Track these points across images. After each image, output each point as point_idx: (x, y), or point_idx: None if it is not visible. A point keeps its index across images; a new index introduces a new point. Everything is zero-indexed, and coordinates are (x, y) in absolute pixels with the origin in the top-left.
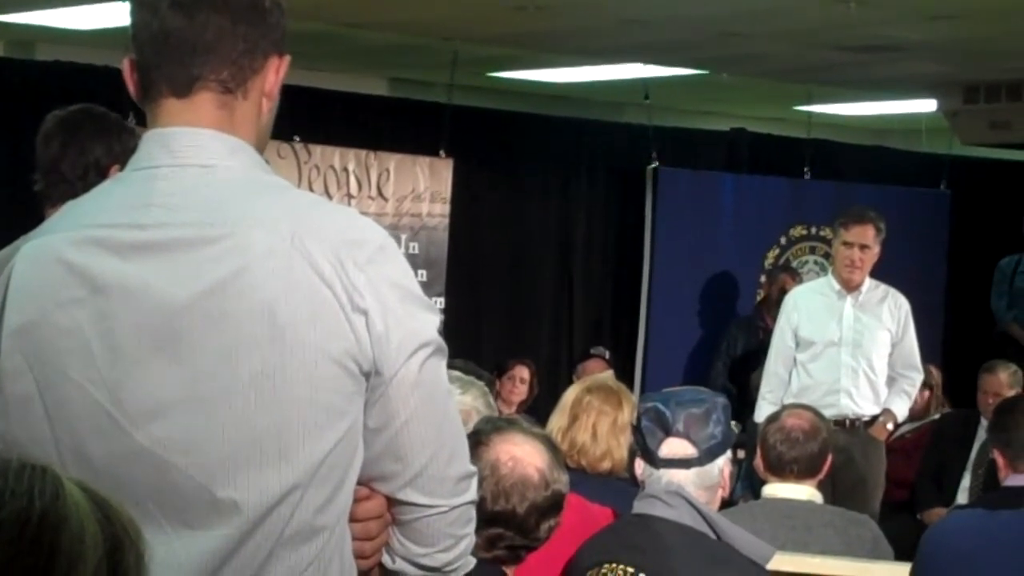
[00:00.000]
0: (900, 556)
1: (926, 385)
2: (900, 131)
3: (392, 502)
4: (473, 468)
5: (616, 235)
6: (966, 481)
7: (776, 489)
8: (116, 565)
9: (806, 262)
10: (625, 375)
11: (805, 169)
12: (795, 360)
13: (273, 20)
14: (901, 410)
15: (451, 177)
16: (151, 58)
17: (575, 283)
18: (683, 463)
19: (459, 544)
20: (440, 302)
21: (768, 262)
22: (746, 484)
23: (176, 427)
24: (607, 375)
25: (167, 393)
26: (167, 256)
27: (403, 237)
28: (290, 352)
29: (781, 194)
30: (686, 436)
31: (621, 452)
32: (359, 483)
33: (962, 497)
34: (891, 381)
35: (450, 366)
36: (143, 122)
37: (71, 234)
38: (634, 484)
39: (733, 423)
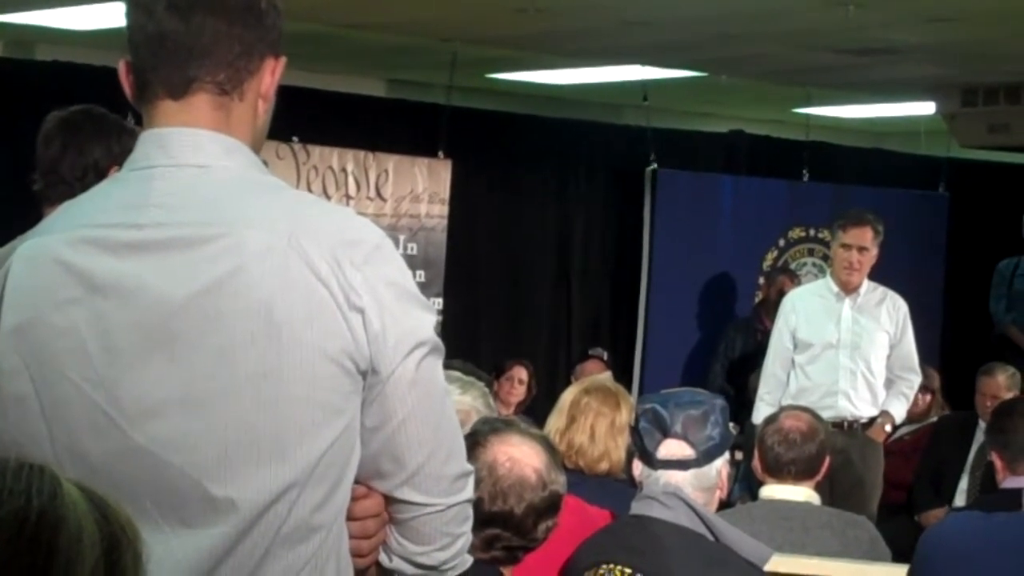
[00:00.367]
0: (898, 558)
1: (927, 388)
2: (898, 134)
3: (389, 500)
4: (470, 467)
5: (615, 237)
6: (964, 483)
7: (773, 490)
8: (114, 564)
9: (804, 264)
10: (623, 376)
11: (804, 171)
12: (793, 362)
13: (269, 22)
14: (899, 412)
15: (450, 178)
16: (147, 60)
17: (573, 284)
18: (681, 464)
19: (456, 542)
20: (438, 303)
21: (766, 264)
22: (744, 485)
23: (173, 426)
24: (605, 376)
25: (164, 392)
26: (164, 256)
27: (401, 238)
28: (287, 351)
29: (780, 196)
30: (684, 437)
31: (619, 453)
32: (356, 481)
33: (960, 499)
34: (889, 383)
35: (448, 367)
36: (142, 123)
37: (68, 234)
38: (632, 485)
39: (731, 425)
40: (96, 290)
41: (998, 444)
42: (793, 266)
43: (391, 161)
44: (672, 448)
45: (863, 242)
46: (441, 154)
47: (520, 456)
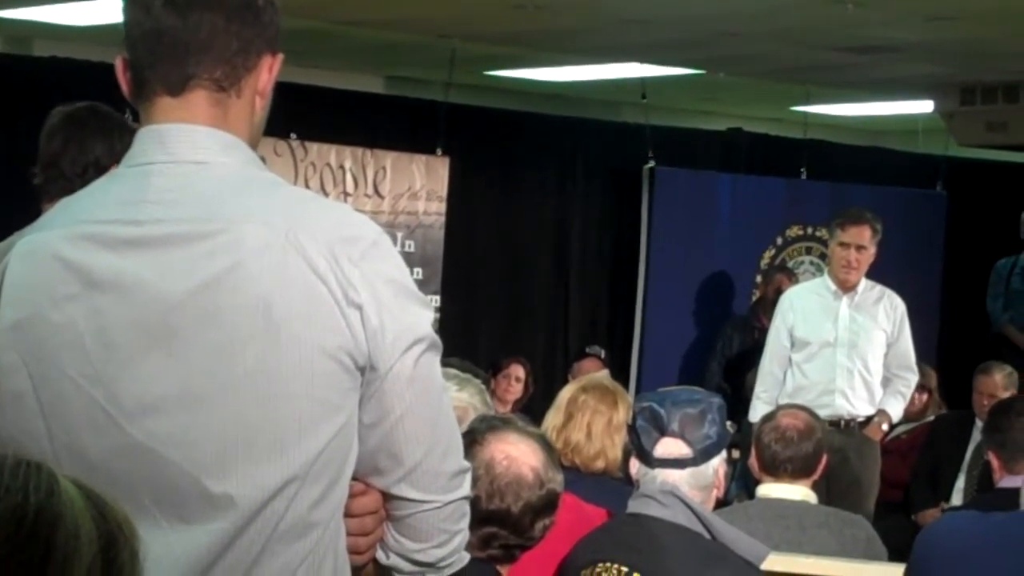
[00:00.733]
0: (894, 557)
1: (924, 387)
2: (897, 132)
3: (387, 497)
4: (467, 464)
5: (612, 234)
6: (961, 482)
7: (770, 489)
8: (111, 562)
9: (802, 262)
10: (620, 374)
11: (802, 169)
12: (790, 360)
13: (267, 18)
14: (896, 411)
15: (447, 175)
16: (144, 57)
17: (571, 282)
18: (678, 463)
19: (453, 540)
20: (436, 300)
21: (764, 262)
22: (741, 484)
23: (171, 422)
24: (603, 374)
25: (162, 388)
26: (162, 252)
27: (399, 235)
28: (285, 347)
29: (777, 194)
30: (681, 436)
31: (615, 452)
32: (354, 478)
33: (956, 498)
34: (886, 382)
35: (446, 364)
36: (139, 119)
37: (66, 230)
38: (628, 483)
39: (728, 423)
40: (94, 286)
41: (995, 443)
42: (791, 264)
43: (389, 158)
44: (669, 447)
45: (861, 241)
46: (439, 151)
47: (517, 454)
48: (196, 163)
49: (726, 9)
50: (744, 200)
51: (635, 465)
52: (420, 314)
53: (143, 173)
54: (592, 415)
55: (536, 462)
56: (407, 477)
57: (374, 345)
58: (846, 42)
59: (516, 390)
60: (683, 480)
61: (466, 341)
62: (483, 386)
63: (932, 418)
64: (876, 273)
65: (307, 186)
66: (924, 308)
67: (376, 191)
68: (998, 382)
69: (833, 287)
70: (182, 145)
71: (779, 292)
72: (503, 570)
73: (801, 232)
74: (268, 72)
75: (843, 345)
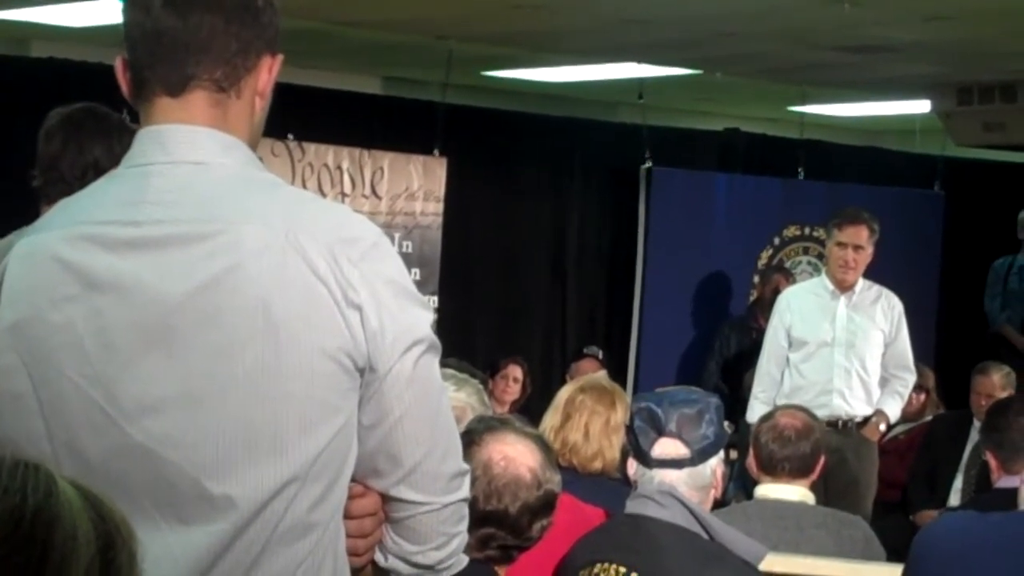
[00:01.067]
0: (892, 557)
1: (921, 387)
2: (894, 132)
3: (385, 499)
4: (466, 466)
5: (610, 235)
6: (958, 482)
7: (768, 490)
8: (109, 563)
9: (799, 263)
10: (618, 375)
11: (799, 169)
12: (788, 360)
13: (266, 19)
14: (894, 411)
15: (445, 176)
16: (144, 57)
17: (568, 283)
18: (675, 463)
19: (452, 542)
20: (434, 301)
21: (761, 262)
22: (738, 484)
23: (171, 423)
24: (601, 375)
25: (161, 389)
26: (161, 253)
27: (397, 236)
28: (285, 348)
29: (775, 194)
30: (679, 436)
31: (613, 452)
32: (353, 480)
33: (954, 498)
34: (884, 382)
35: (444, 365)
36: (138, 120)
37: (65, 231)
38: (626, 484)
39: (726, 423)
40: (94, 287)
41: (993, 443)
42: (788, 264)
43: (386, 159)
44: (667, 447)
45: (858, 240)
46: (436, 152)
47: (515, 455)
48: (195, 164)
49: (723, 9)
50: (741, 200)
51: (633, 465)
52: (420, 315)
53: (142, 174)
54: (590, 415)
55: (534, 463)
56: (406, 479)
57: (373, 346)
58: (843, 42)
59: (514, 391)
60: (681, 480)
61: (464, 342)
62: (481, 386)
63: (930, 418)
64: (874, 273)
65: (304, 187)
66: (922, 308)
67: (374, 192)
68: (996, 382)
69: (830, 287)
70: (181, 146)
71: (777, 292)
72: (501, 571)
73: (798, 232)
74: (268, 73)
75: (841, 345)
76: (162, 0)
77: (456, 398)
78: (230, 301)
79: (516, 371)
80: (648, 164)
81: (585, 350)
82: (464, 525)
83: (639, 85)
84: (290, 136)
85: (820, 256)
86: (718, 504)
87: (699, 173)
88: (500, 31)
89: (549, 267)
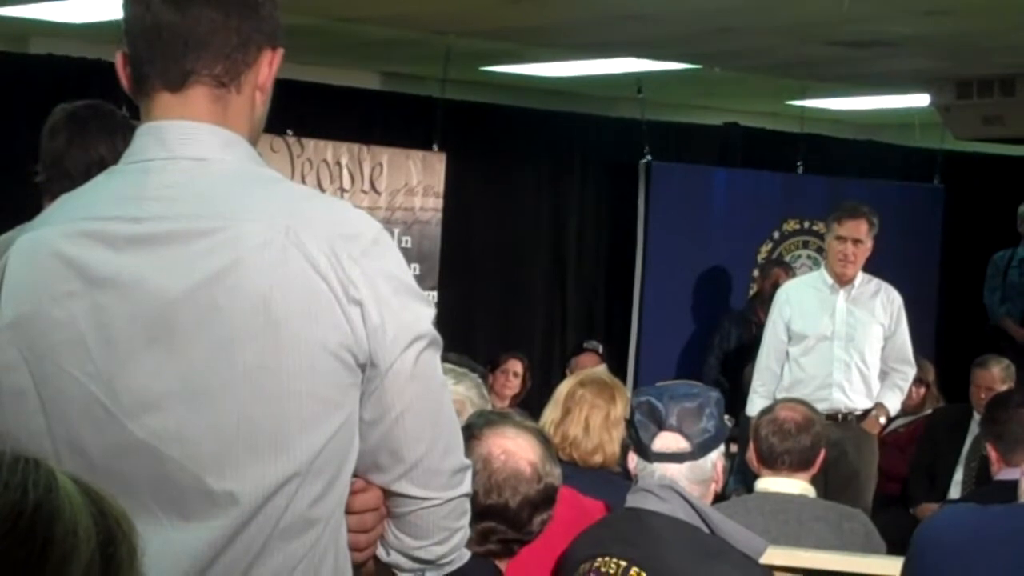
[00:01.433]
0: (892, 550)
1: (921, 380)
2: (893, 126)
3: (387, 494)
4: (468, 461)
5: (609, 229)
6: (959, 475)
7: (768, 483)
8: (109, 558)
9: (799, 256)
10: (618, 369)
11: (798, 164)
12: (787, 354)
13: (265, 13)
14: (893, 404)
15: (444, 171)
16: (144, 52)
17: (568, 277)
18: (676, 457)
19: (453, 537)
20: (433, 296)
21: (761, 256)
22: (739, 478)
23: (171, 419)
24: (601, 369)
25: (162, 385)
26: (162, 249)
27: (396, 231)
28: (285, 345)
29: (774, 189)
30: (679, 430)
31: (613, 446)
32: (355, 475)
33: (955, 491)
34: (883, 375)
35: (443, 360)
36: (137, 116)
37: (66, 227)
38: (626, 478)
39: (726, 417)
40: (94, 283)
41: (992, 436)
42: (788, 258)
43: (385, 154)
44: (667, 441)
45: (858, 234)
46: (435, 147)
47: (515, 449)
48: (196, 160)
49: (722, 4)
50: (741, 195)
51: (633, 459)
52: (421, 311)
53: (142, 170)
54: (590, 409)
55: (534, 456)
56: (407, 474)
57: (374, 342)
58: (842, 36)
59: (514, 385)
60: (681, 474)
61: (464, 336)
62: (480, 380)
63: (930, 411)
64: (873, 267)
65: (304, 182)
66: (922, 302)
67: (373, 187)
68: (995, 375)
69: (830, 281)
70: (181, 142)
71: (776, 286)
72: (502, 564)
73: (798, 226)
74: (268, 67)
75: (840, 339)
76: None
77: (455, 392)
78: (231, 297)
79: (516, 365)
80: (647, 159)
81: (585, 344)
82: (466, 520)
83: (638, 80)
84: (289, 132)
85: (820, 250)
86: (718, 498)
87: (698, 167)
88: (499, 26)
89: (549, 262)
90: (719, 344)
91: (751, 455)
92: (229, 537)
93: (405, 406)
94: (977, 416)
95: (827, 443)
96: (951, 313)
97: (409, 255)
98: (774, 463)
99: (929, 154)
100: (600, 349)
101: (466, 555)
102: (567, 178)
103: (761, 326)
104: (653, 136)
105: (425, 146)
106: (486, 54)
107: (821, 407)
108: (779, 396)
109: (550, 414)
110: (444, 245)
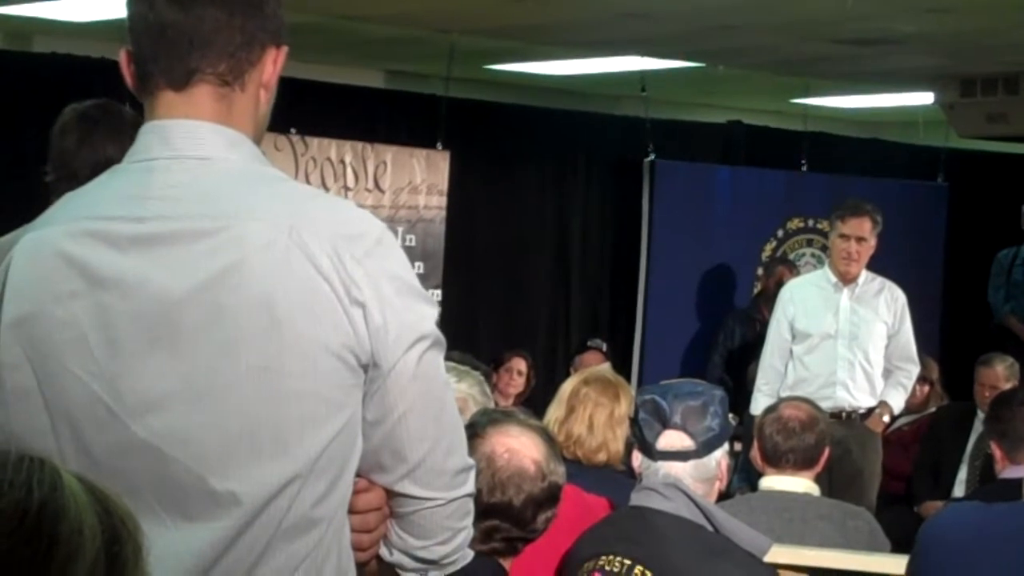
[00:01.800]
0: (897, 548)
1: (925, 379)
2: (897, 124)
3: (390, 494)
4: (471, 461)
5: (613, 227)
6: (963, 473)
7: (773, 482)
8: (114, 557)
9: (803, 255)
10: (622, 367)
11: (802, 162)
12: (791, 352)
13: (270, 10)
14: (897, 402)
15: (448, 169)
16: (148, 51)
17: (572, 275)
18: (680, 455)
19: (456, 537)
20: (437, 294)
21: (765, 255)
22: (743, 477)
23: (174, 419)
24: (605, 367)
25: (165, 385)
26: (165, 249)
27: (400, 229)
28: (288, 345)
29: (778, 187)
30: (683, 428)
31: (617, 444)
32: (357, 475)
33: (959, 489)
34: (887, 373)
35: (447, 358)
36: (141, 114)
37: (69, 226)
38: (630, 476)
39: (730, 415)
40: (98, 283)
41: (997, 434)
42: (792, 257)
43: (389, 153)
44: (672, 439)
45: (861, 233)
46: (439, 145)
47: (519, 447)
48: (200, 159)
49: (726, 2)
50: (745, 193)
51: (638, 458)
52: (424, 311)
53: (146, 169)
54: (594, 408)
55: (538, 454)
56: (410, 474)
57: (377, 342)
58: (845, 34)
59: (518, 383)
60: (686, 473)
61: (467, 335)
62: (482, 378)
63: (934, 410)
64: (877, 265)
65: (307, 181)
66: (925, 300)
67: (377, 185)
68: (1000, 373)
69: (834, 279)
70: (185, 141)
71: (780, 284)
72: (506, 563)
73: (802, 224)
74: (272, 65)
75: (844, 337)
76: None
77: (457, 389)
78: (233, 298)
79: (520, 364)
80: (651, 157)
81: (589, 342)
82: (469, 520)
83: (642, 78)
84: (293, 131)
85: (823, 248)
86: (723, 496)
87: (702, 166)
88: (502, 24)
89: (553, 260)
90: (723, 342)
91: (755, 453)
92: (232, 537)
93: (408, 406)
94: (981, 414)
95: (831, 441)
96: (955, 311)
97: (413, 253)
98: (778, 461)
99: (933, 152)
100: (604, 347)
101: (469, 555)
102: (571, 176)
103: (765, 324)
104: (657, 134)
105: (429, 144)
106: (490, 52)
107: (825, 405)
108: (783, 394)
109: (554, 412)
110: (448, 243)
